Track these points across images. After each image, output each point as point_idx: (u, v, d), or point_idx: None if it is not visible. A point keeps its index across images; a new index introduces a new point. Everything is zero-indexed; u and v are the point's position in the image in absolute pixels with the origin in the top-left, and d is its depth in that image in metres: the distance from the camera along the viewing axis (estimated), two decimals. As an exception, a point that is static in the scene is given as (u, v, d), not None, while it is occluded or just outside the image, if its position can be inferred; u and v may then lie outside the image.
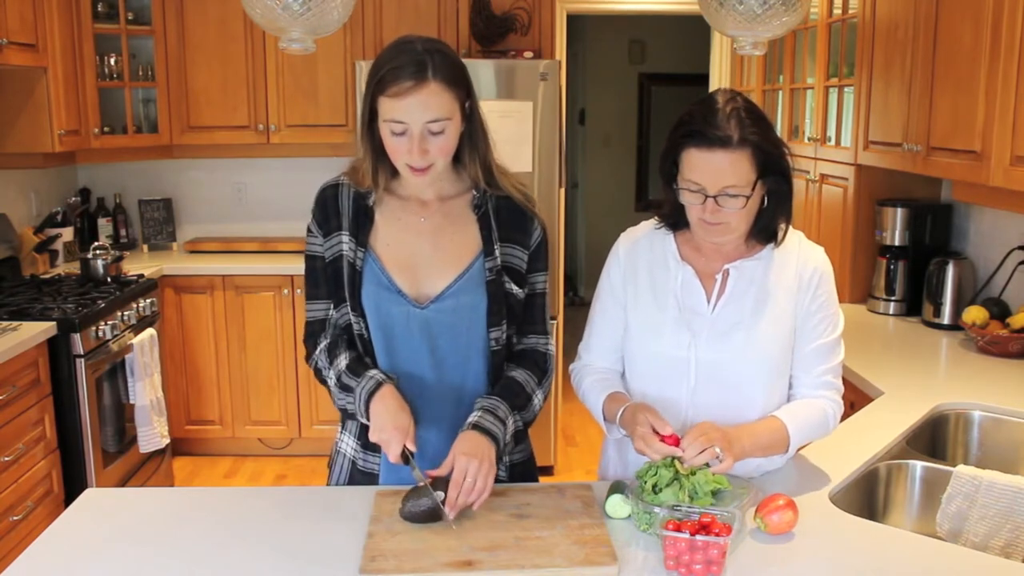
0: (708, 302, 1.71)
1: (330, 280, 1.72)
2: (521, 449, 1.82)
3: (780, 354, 1.71)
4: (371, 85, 1.58)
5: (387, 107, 1.56)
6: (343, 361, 1.69)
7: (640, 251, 1.78)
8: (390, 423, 1.58)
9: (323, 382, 1.75)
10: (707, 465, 1.55)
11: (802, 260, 1.72)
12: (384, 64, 1.56)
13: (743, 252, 1.73)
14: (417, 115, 1.55)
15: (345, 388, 1.68)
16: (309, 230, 1.74)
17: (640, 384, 1.77)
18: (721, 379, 1.69)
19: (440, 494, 1.51)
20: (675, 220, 1.74)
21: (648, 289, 1.75)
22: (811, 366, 1.73)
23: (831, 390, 1.75)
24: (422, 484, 1.54)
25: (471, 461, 1.53)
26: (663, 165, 1.69)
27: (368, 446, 1.75)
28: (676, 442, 1.54)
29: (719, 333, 1.69)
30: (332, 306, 1.73)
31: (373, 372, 1.65)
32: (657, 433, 1.56)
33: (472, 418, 1.62)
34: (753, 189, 1.59)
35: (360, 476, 1.77)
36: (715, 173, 1.58)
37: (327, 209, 1.71)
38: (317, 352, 1.74)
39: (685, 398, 1.71)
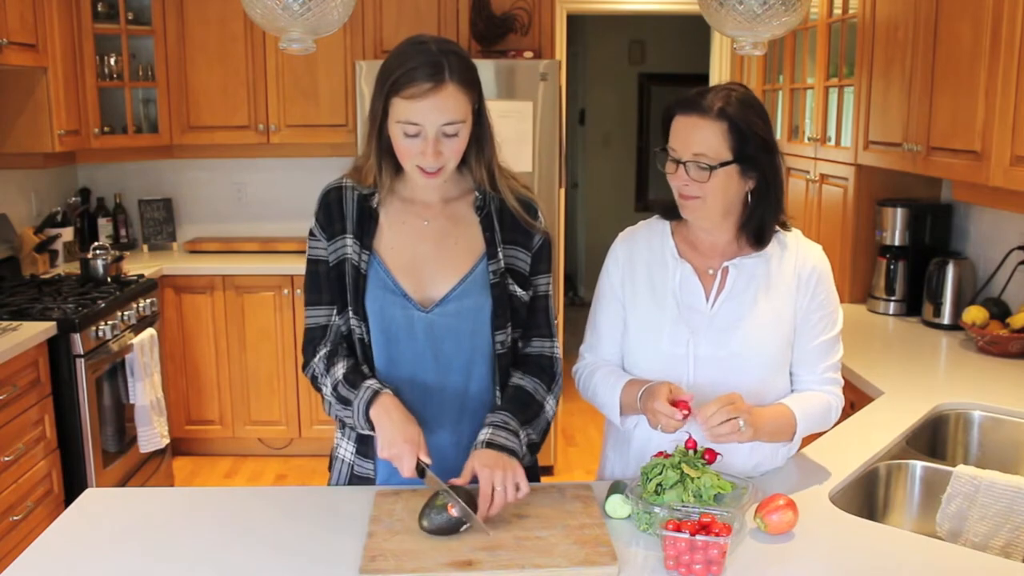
0: (707, 299, 1.72)
1: (333, 284, 1.68)
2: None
3: (779, 351, 1.72)
4: (384, 85, 1.54)
5: (402, 109, 1.53)
6: (340, 370, 1.64)
7: (638, 250, 1.79)
8: (399, 437, 1.54)
9: (319, 390, 1.71)
10: (705, 462, 1.55)
11: (800, 258, 1.73)
12: (399, 65, 1.53)
13: (737, 251, 1.73)
14: (433, 117, 1.52)
15: (342, 400, 1.63)
16: (311, 233, 1.70)
17: (640, 381, 1.76)
18: (720, 376, 1.69)
19: (454, 512, 1.46)
20: (669, 208, 1.76)
21: (647, 287, 1.76)
22: (813, 364, 1.74)
23: (833, 385, 1.76)
24: (441, 491, 1.49)
25: (495, 472, 1.50)
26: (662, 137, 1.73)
27: (362, 451, 1.73)
28: (690, 410, 1.56)
29: (718, 330, 1.70)
30: (335, 311, 1.69)
31: (369, 382, 1.61)
32: (674, 403, 1.56)
33: (483, 436, 1.58)
34: (722, 165, 1.61)
35: (357, 481, 1.76)
36: (688, 138, 1.62)
37: (331, 212, 1.68)
38: (316, 360, 1.70)
39: (684, 395, 1.71)
